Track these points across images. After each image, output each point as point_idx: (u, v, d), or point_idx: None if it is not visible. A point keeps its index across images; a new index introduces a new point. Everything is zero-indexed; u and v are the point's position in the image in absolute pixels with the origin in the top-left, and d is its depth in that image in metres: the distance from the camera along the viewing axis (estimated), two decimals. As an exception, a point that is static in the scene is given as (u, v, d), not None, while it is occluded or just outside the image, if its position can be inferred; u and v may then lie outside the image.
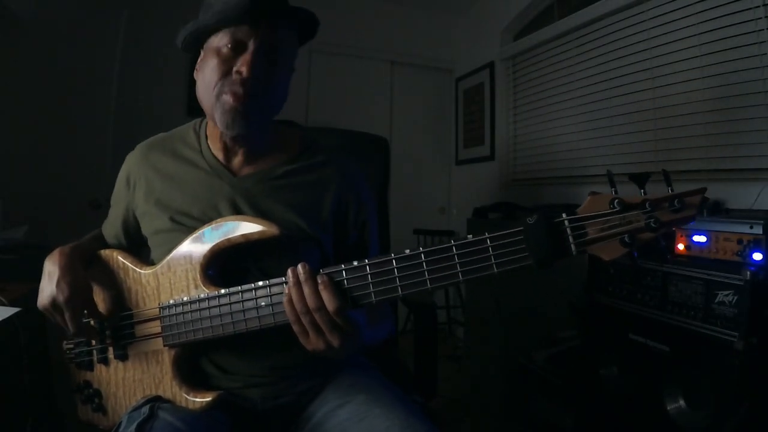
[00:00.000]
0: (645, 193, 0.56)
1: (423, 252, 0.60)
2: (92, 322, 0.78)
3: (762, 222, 1.09)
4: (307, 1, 0.78)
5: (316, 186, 0.82)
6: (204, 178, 0.80)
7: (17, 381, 1.08)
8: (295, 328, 0.64)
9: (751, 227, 1.10)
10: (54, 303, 0.72)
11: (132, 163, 0.86)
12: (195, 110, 0.79)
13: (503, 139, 2.99)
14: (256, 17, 0.72)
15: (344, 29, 3.08)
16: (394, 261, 0.61)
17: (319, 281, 0.62)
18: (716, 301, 1.10)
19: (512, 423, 1.89)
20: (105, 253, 0.82)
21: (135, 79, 2.59)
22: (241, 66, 0.71)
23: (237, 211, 0.77)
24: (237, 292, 0.69)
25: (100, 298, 0.79)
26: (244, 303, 0.69)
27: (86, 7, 2.45)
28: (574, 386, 1.51)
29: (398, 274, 0.61)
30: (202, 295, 0.72)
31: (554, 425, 1.59)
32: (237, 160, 0.81)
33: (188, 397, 0.72)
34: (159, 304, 0.75)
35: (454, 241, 0.59)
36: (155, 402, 0.72)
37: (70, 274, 0.72)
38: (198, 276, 0.73)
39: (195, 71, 0.80)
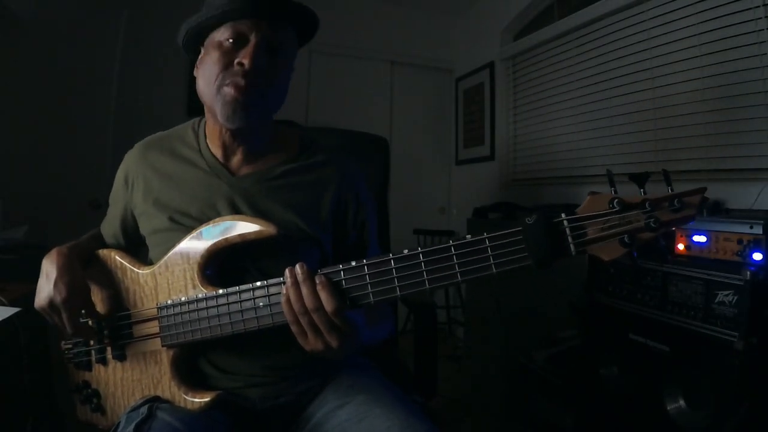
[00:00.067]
0: (645, 193, 0.56)
1: (421, 252, 0.60)
2: (90, 323, 0.78)
3: (762, 222, 1.09)
4: (307, 1, 0.78)
5: (316, 186, 0.82)
6: (203, 177, 0.80)
7: (17, 381, 1.08)
8: (294, 328, 0.63)
9: (751, 227, 1.10)
10: (51, 303, 0.71)
11: (130, 162, 0.86)
12: (195, 110, 0.79)
13: (503, 139, 2.98)
14: (258, 11, 0.73)
15: (344, 29, 3.08)
16: (392, 261, 0.61)
17: (317, 281, 0.62)
18: (716, 301, 1.10)
19: (512, 423, 1.89)
20: (103, 252, 0.82)
21: (135, 79, 2.59)
22: (243, 57, 0.72)
23: (235, 211, 0.77)
24: (235, 293, 0.69)
25: (98, 298, 0.79)
26: (242, 303, 0.68)
27: (86, 7, 2.45)
28: (574, 386, 1.51)
29: (396, 274, 0.61)
30: (200, 296, 0.71)
31: (554, 425, 1.59)
32: (236, 159, 0.81)
33: (187, 398, 0.72)
34: (157, 304, 0.75)
35: (452, 242, 0.59)
36: (154, 402, 0.71)
37: (67, 274, 0.72)
38: (196, 276, 0.73)
39: (195, 69, 0.80)
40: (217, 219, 0.74)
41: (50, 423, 1.18)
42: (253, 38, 0.73)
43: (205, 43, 0.78)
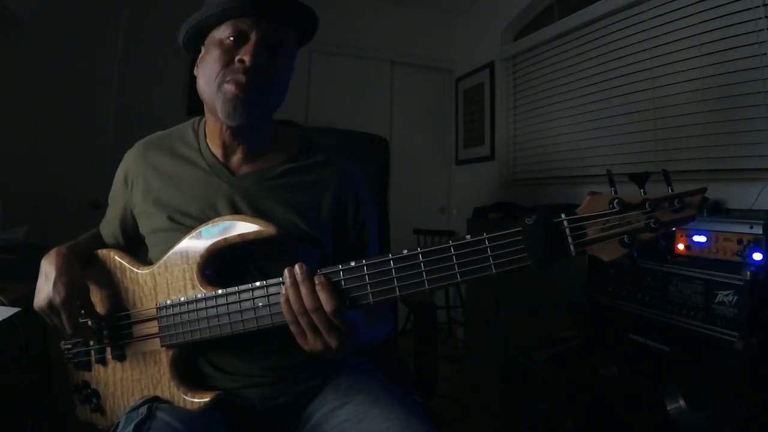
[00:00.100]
0: (645, 193, 0.55)
1: (421, 252, 0.60)
2: (90, 323, 0.78)
3: (762, 222, 1.09)
4: (308, 1, 0.78)
5: (316, 185, 0.82)
6: (202, 176, 0.80)
7: (17, 381, 1.08)
8: (293, 328, 0.63)
9: (751, 227, 1.10)
10: (51, 304, 0.71)
11: (130, 162, 0.86)
12: (195, 110, 0.79)
13: (503, 139, 2.98)
14: (258, 9, 0.73)
15: (344, 29, 3.08)
16: (391, 261, 0.61)
17: (317, 282, 0.62)
18: (716, 301, 1.10)
19: (512, 423, 1.89)
20: (102, 252, 0.82)
21: (135, 79, 2.59)
22: (244, 54, 0.72)
23: (235, 210, 0.77)
24: (234, 293, 0.69)
25: (97, 299, 0.78)
26: (242, 303, 0.68)
27: (86, 7, 2.45)
28: (574, 386, 1.51)
29: (396, 274, 0.60)
30: (199, 296, 0.71)
31: (554, 425, 1.59)
32: (236, 159, 0.81)
33: (186, 398, 0.72)
34: (156, 305, 0.75)
35: (452, 242, 0.59)
36: (153, 402, 0.71)
37: (66, 274, 0.72)
38: (195, 276, 0.73)
39: (195, 68, 0.80)
40: (217, 219, 0.73)
41: (50, 423, 1.18)
42: (253, 36, 0.73)
43: (206, 42, 0.78)
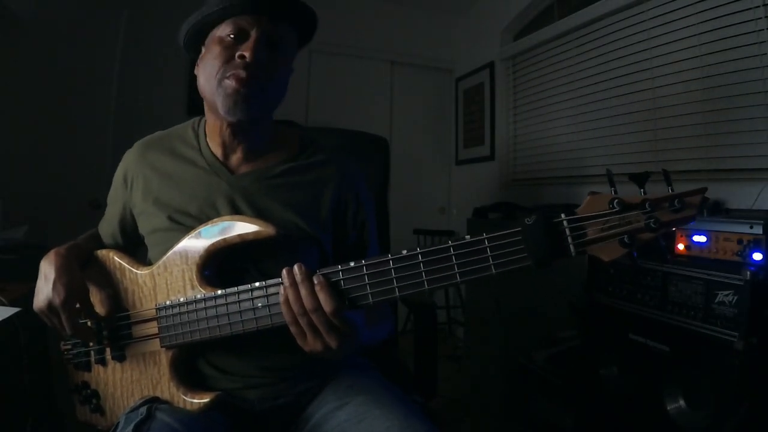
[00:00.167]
0: (645, 193, 0.55)
1: (420, 252, 0.60)
2: (89, 323, 0.78)
3: (762, 222, 1.09)
4: (308, 1, 0.79)
5: (315, 185, 0.82)
6: (202, 176, 0.80)
7: (17, 381, 1.08)
8: (292, 329, 0.63)
9: (751, 227, 1.10)
10: (50, 305, 0.71)
11: (129, 162, 0.85)
12: (195, 110, 0.79)
13: (503, 139, 2.98)
14: (258, 7, 0.74)
15: (344, 29, 3.08)
16: (391, 262, 0.61)
17: (316, 282, 0.61)
18: (716, 301, 1.10)
19: (512, 423, 1.89)
20: (101, 253, 0.82)
21: (135, 79, 2.59)
22: (244, 50, 0.72)
23: (235, 210, 0.77)
24: (234, 293, 0.69)
25: (96, 299, 0.78)
26: (241, 304, 0.68)
27: (86, 7, 2.45)
28: (574, 386, 1.51)
29: (395, 275, 0.60)
30: (198, 296, 0.71)
31: (554, 425, 1.58)
32: (235, 158, 0.81)
33: (186, 398, 0.72)
34: (156, 305, 0.75)
35: (451, 242, 0.59)
36: (153, 403, 0.71)
37: (66, 275, 0.72)
38: (194, 276, 0.72)
39: (195, 67, 0.80)
40: (216, 219, 0.73)
41: (50, 423, 1.18)
42: (253, 33, 0.74)
43: (206, 41, 0.79)
